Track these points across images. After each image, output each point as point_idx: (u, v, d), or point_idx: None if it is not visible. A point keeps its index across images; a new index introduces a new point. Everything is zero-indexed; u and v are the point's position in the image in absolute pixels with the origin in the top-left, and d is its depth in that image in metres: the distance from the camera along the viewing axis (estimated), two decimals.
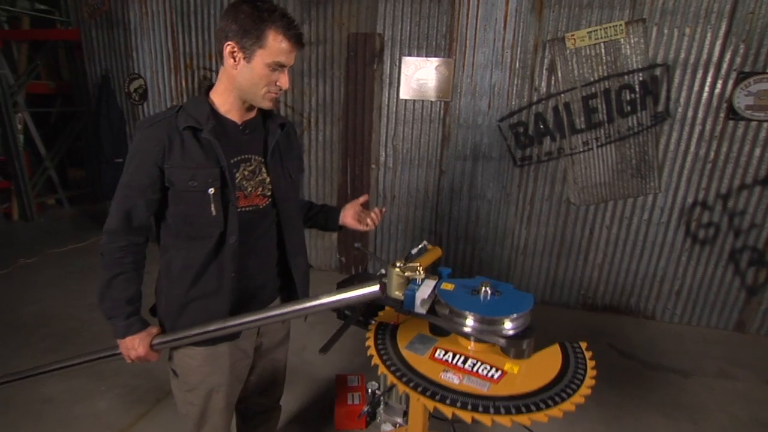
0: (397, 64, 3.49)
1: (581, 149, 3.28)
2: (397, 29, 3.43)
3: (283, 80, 1.19)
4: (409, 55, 3.46)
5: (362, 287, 1.19)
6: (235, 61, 1.14)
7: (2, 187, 5.04)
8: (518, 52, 3.25)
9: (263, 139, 1.30)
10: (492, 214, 3.56)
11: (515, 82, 3.30)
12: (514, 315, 1.13)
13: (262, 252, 1.34)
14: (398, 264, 1.32)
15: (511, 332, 1.13)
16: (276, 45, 1.12)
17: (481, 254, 3.64)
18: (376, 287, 1.17)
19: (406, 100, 3.54)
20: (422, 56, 3.43)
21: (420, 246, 2.02)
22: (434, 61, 3.41)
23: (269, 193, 1.30)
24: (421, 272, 1.32)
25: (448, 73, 3.40)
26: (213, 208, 1.18)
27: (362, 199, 1.55)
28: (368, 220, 1.53)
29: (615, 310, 3.50)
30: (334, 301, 1.22)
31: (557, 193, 3.39)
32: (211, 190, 1.17)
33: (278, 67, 1.15)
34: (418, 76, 3.45)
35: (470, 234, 3.63)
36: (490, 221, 3.57)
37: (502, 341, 1.13)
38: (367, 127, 3.65)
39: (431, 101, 3.49)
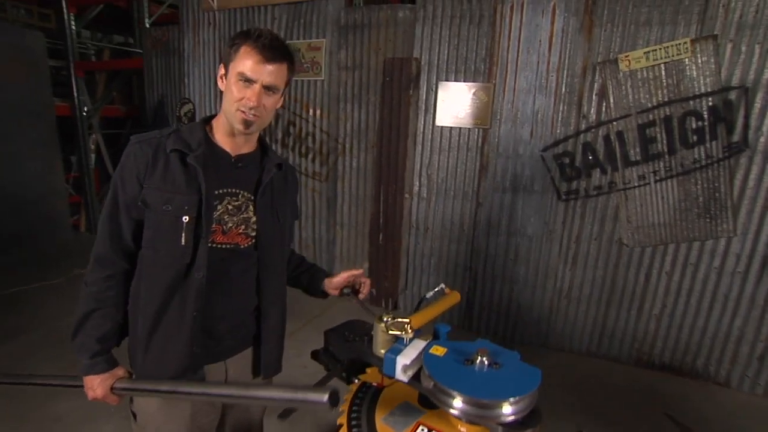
0: (434, 89, 3.33)
1: (636, 184, 2.88)
2: (435, 53, 3.29)
3: (250, 94, 1.10)
4: (447, 79, 3.29)
5: (304, 393, 0.93)
6: (222, 81, 1.14)
7: (74, 201, 5.50)
8: (564, 75, 2.96)
9: (258, 176, 1.23)
10: (533, 252, 3.23)
11: (561, 109, 3.01)
12: (515, 398, 0.91)
13: (235, 295, 1.23)
14: (385, 318, 1.18)
15: (510, 418, 0.91)
16: (243, 57, 1.08)
17: (519, 296, 3.31)
18: (323, 397, 0.87)
19: (442, 127, 3.36)
20: (460, 81, 3.25)
21: (437, 289, 1.82)
22: (473, 86, 3.21)
23: (253, 234, 1.22)
24: (410, 330, 1.17)
25: (488, 99, 3.18)
26: (183, 238, 1.11)
27: (357, 271, 1.41)
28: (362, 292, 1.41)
29: (675, 371, 2.99)
30: (265, 397, 1.08)
31: (607, 232, 3.00)
32: (185, 218, 1.10)
33: (245, 80, 1.09)
34: (456, 101, 3.27)
35: (508, 273, 3.32)
36: (530, 260, 3.24)
37: (499, 429, 0.93)
38: (402, 155, 3.50)
39: (469, 128, 3.28)
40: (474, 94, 3.21)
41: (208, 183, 1.12)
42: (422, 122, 3.42)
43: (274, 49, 1.10)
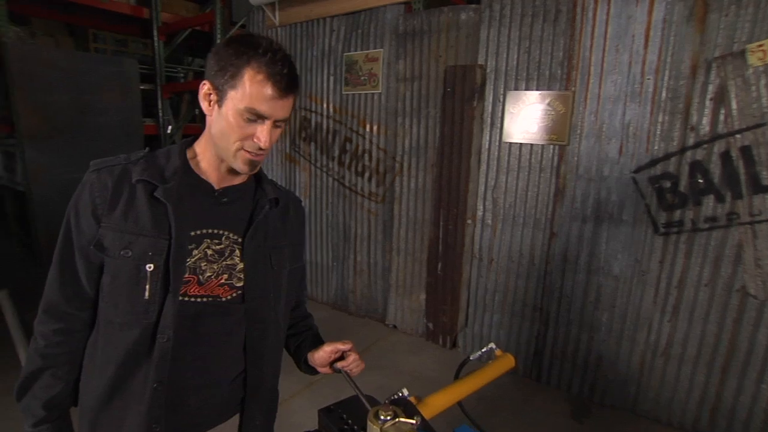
0: (501, 100, 2.89)
1: None
2: (502, 58, 2.85)
3: (263, 135, 0.89)
4: (516, 88, 2.83)
5: None
6: (209, 105, 0.91)
7: None
8: (665, 77, 2.36)
9: (248, 213, 1.01)
10: (620, 295, 2.62)
11: (660, 120, 2.40)
12: None
13: (213, 361, 0.98)
14: (382, 415, 0.92)
15: None
16: (252, 87, 0.85)
17: (601, 347, 2.70)
18: None
19: (510, 143, 2.90)
20: (532, 89, 2.77)
21: (485, 349, 1.49)
22: (547, 95, 2.72)
23: (239, 284, 0.98)
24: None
25: (565, 110, 2.67)
26: (147, 291, 0.89)
27: (343, 345, 1.09)
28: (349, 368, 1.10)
29: None
30: None
31: (724, 277, 2.32)
32: (149, 267, 0.88)
33: (255, 117, 0.87)
34: (527, 114, 2.79)
35: (587, 318, 2.74)
36: (616, 305, 2.63)
37: None
38: (464, 175, 3.09)
39: (542, 145, 2.78)
40: (549, 104, 2.72)
41: (182, 222, 0.90)
42: (487, 138, 2.99)
43: (292, 79, 0.88)
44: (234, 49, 0.86)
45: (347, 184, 3.73)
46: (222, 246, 0.96)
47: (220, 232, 0.96)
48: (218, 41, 4.71)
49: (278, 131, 0.93)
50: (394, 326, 3.63)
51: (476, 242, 3.13)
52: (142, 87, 5.33)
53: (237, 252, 0.97)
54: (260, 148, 0.90)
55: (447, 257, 3.24)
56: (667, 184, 2.42)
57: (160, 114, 5.43)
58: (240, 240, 0.98)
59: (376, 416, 0.93)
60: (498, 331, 3.11)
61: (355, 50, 3.47)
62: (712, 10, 2.20)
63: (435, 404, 1.37)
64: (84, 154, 4.78)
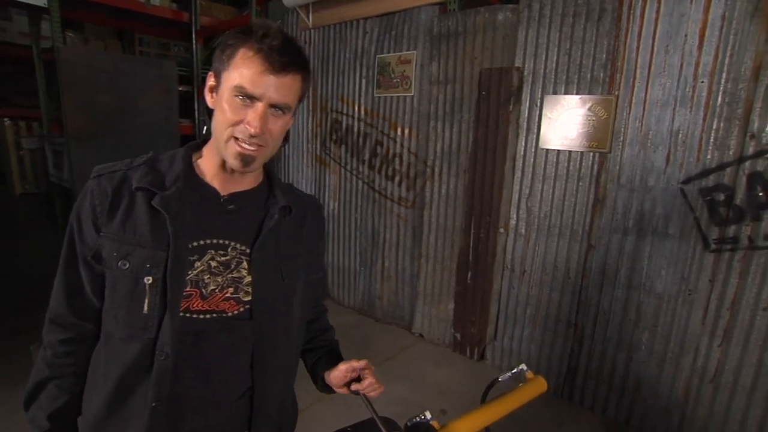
0: (538, 104, 2.75)
1: None
2: (541, 61, 2.71)
3: (252, 118, 0.81)
4: (555, 92, 2.69)
5: None
6: (212, 97, 0.88)
7: None
8: (722, 80, 2.17)
9: (258, 222, 0.94)
10: (663, 315, 2.43)
11: (714, 126, 2.21)
12: None
13: (216, 380, 0.93)
14: None
15: None
16: (242, 63, 0.80)
17: (640, 369, 2.52)
18: None
19: (547, 149, 2.75)
20: (572, 93, 2.62)
21: (515, 371, 1.41)
22: (588, 100, 2.56)
23: (246, 299, 0.92)
24: None
25: (607, 115, 2.50)
26: (146, 305, 0.84)
27: (358, 364, 1.02)
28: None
29: None
30: None
31: None
32: (148, 280, 0.84)
33: (244, 96, 0.81)
34: (566, 119, 2.64)
35: (626, 337, 2.56)
36: (658, 325, 2.45)
37: None
38: (498, 182, 2.96)
39: (581, 152, 2.63)
40: (590, 109, 2.56)
41: (181, 232, 0.85)
42: (523, 144, 2.85)
43: (287, 54, 0.81)
44: (233, 34, 0.83)
45: (377, 188, 3.67)
46: (228, 257, 0.90)
47: (226, 242, 0.90)
48: None
49: (281, 120, 0.86)
50: (421, 335, 3.54)
51: (508, 252, 2.99)
52: (180, 89, 5.46)
53: (244, 264, 0.91)
54: (251, 136, 0.82)
55: (477, 266, 3.12)
56: (721, 197, 2.22)
57: (196, 114, 5.55)
58: (248, 251, 0.92)
59: None
60: (529, 345, 2.96)
61: (388, 52, 3.40)
62: None
63: (461, 429, 1.28)
64: (125, 152, 4.88)
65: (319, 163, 4.09)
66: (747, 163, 2.15)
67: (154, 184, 0.86)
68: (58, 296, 0.91)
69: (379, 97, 3.52)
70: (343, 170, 3.90)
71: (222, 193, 0.92)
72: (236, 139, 0.83)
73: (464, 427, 1.31)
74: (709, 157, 2.23)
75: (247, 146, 0.83)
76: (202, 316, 0.88)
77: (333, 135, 3.92)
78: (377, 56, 3.47)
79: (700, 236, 2.29)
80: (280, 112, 0.85)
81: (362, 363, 1.02)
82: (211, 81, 0.87)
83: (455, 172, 3.20)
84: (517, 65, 2.80)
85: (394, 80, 3.39)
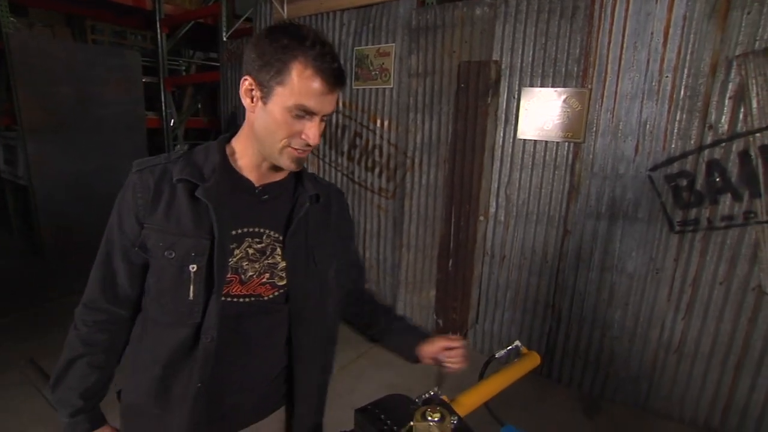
0: (516, 96, 2.87)
1: None
2: (517, 55, 2.83)
3: (311, 132, 0.87)
4: (531, 85, 2.82)
5: None
6: (252, 101, 0.88)
7: None
8: (684, 75, 2.36)
9: (289, 210, 0.99)
10: (633, 293, 2.63)
11: (677, 118, 2.40)
12: None
13: (256, 359, 0.98)
14: (430, 416, 0.91)
15: None
16: (301, 83, 0.83)
17: (613, 345, 2.71)
18: None
19: (525, 140, 2.89)
20: (548, 86, 2.76)
21: (510, 347, 1.49)
22: (563, 92, 2.70)
23: (281, 283, 0.97)
24: None
25: (581, 107, 2.66)
26: (191, 291, 0.89)
27: (455, 342, 1.11)
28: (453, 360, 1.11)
29: None
30: None
31: (740, 275, 2.33)
32: (193, 268, 0.89)
33: (304, 113, 0.85)
34: (542, 110, 2.78)
35: (600, 316, 2.75)
36: (629, 303, 2.64)
37: None
38: (477, 172, 3.08)
39: (557, 142, 2.78)
40: (564, 101, 2.71)
41: (223, 221, 0.89)
42: (501, 135, 2.97)
43: (338, 69, 0.86)
44: (279, 43, 0.83)
45: (357, 179, 3.71)
46: (263, 244, 0.95)
47: (261, 230, 0.95)
48: (224, 34, 4.67)
49: (323, 125, 0.92)
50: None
51: (488, 239, 3.12)
52: (144, 80, 5.27)
53: (278, 250, 0.96)
54: (308, 145, 0.89)
55: (458, 254, 3.24)
56: (684, 183, 2.43)
57: (163, 107, 5.36)
58: (281, 238, 0.96)
59: (424, 417, 0.93)
60: (509, 327, 3.12)
61: (366, 45, 3.44)
62: (735, 7, 2.19)
63: (467, 403, 1.37)
64: (86, 147, 4.73)
65: None
66: (706, 152, 2.36)
67: (194, 176, 0.89)
68: (95, 287, 0.95)
69: (358, 89, 3.55)
70: (321, 162, 3.91)
71: (256, 185, 0.96)
72: (293, 148, 0.89)
73: (471, 399, 1.40)
74: (673, 146, 2.43)
75: (301, 152, 0.90)
76: (241, 300, 0.93)
77: None
78: (355, 48, 3.49)
79: (666, 219, 2.49)
80: (326, 118, 0.91)
81: (457, 340, 1.11)
82: (248, 84, 0.87)
83: (435, 162, 3.29)
84: (494, 59, 2.91)
85: (373, 72, 3.43)
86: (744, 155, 2.26)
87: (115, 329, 0.98)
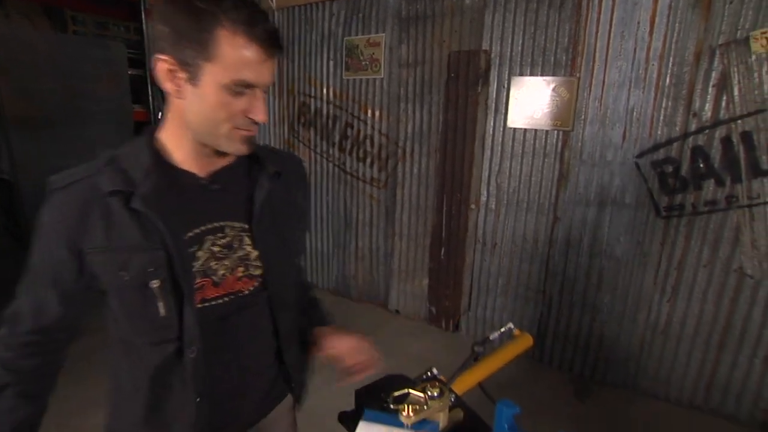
0: (506, 85, 2.91)
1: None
2: (507, 44, 2.86)
3: (257, 108, 0.77)
4: (521, 74, 2.85)
5: None
6: (176, 85, 0.75)
7: None
8: (669, 64, 2.41)
9: (247, 195, 0.89)
10: (621, 277, 2.70)
11: (663, 105, 2.46)
12: None
13: (248, 356, 0.94)
14: (430, 391, 0.96)
15: None
16: (234, 53, 0.71)
17: (603, 328, 2.79)
18: None
19: (515, 129, 2.93)
20: (537, 75, 2.79)
21: (503, 329, 1.53)
22: (552, 81, 2.74)
23: (258, 272, 0.90)
24: (411, 415, 0.92)
25: (570, 96, 2.70)
26: (161, 308, 0.80)
27: (365, 344, 1.07)
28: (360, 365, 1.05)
29: None
30: None
31: (723, 258, 2.41)
32: (155, 283, 0.78)
33: (243, 88, 0.74)
34: (531, 99, 2.82)
35: (589, 300, 2.82)
36: (617, 286, 2.72)
37: None
38: (468, 161, 3.11)
39: (546, 131, 2.82)
40: (553, 90, 2.75)
41: (173, 226, 0.79)
42: (491, 124, 3.01)
43: (273, 30, 0.74)
44: (192, 8, 0.70)
45: (348, 170, 3.72)
46: (228, 239, 0.86)
47: (221, 224, 0.86)
48: None
49: (265, 97, 0.81)
50: (397, 311, 3.67)
51: (479, 227, 3.17)
52: (129, 72, 5.18)
53: (246, 240, 0.88)
54: (255, 123, 0.79)
55: (450, 242, 3.28)
56: (669, 169, 2.49)
57: (150, 100, 5.29)
58: (246, 227, 0.88)
59: (423, 392, 0.97)
60: (501, 314, 3.18)
61: (356, 35, 3.43)
62: None
63: (464, 383, 1.41)
64: (73, 141, 4.67)
65: (288, 146, 4.07)
66: (690, 139, 2.42)
67: (127, 184, 0.77)
68: (23, 308, 0.83)
69: (348, 79, 3.55)
70: (312, 153, 3.91)
71: (201, 175, 0.85)
72: (238, 129, 0.79)
73: (468, 380, 1.45)
74: (659, 133, 2.49)
75: (250, 132, 0.81)
76: (220, 301, 0.86)
77: (301, 118, 3.91)
78: (345, 38, 3.49)
79: (653, 204, 2.55)
80: (266, 90, 0.82)
81: (367, 342, 1.06)
82: (167, 66, 0.74)
83: (426, 152, 3.32)
84: (484, 48, 2.94)
85: (363, 63, 3.44)
86: (726, 141, 2.33)
87: (49, 349, 0.86)
